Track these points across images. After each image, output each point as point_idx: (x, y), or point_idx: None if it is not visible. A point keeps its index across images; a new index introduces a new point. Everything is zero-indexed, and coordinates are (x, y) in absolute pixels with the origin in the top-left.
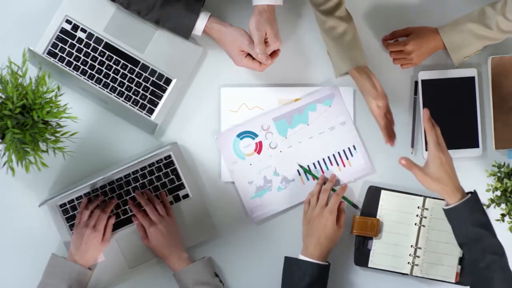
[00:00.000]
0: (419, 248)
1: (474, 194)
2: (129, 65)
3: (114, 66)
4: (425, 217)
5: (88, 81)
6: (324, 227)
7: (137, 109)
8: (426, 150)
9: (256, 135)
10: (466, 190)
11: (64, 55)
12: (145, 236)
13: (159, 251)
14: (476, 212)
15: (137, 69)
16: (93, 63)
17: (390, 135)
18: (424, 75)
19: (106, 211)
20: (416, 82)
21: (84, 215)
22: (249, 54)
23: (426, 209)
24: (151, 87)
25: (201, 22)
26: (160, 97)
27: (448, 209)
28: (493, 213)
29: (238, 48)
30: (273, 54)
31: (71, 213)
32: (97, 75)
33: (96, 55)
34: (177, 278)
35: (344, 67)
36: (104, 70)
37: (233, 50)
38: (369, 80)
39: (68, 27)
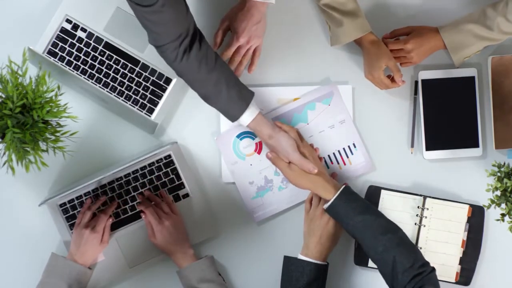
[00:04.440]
0: (419, 248)
1: (346, 186)
2: (129, 65)
3: (114, 66)
4: (425, 217)
5: (88, 80)
6: (325, 226)
7: (137, 109)
8: (427, 150)
9: (256, 135)
10: (466, 190)
11: (64, 55)
12: (152, 234)
13: (166, 248)
14: (354, 201)
15: (137, 69)
16: (93, 62)
17: (395, 82)
18: (424, 74)
19: (107, 213)
20: (416, 82)
21: (86, 216)
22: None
23: (426, 209)
24: (151, 87)
25: (249, 117)
26: (160, 97)
27: (328, 208)
28: (493, 213)
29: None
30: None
31: (71, 213)
32: (97, 74)
33: (96, 54)
34: (181, 275)
35: (354, 34)
36: (104, 70)
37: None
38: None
39: (68, 26)
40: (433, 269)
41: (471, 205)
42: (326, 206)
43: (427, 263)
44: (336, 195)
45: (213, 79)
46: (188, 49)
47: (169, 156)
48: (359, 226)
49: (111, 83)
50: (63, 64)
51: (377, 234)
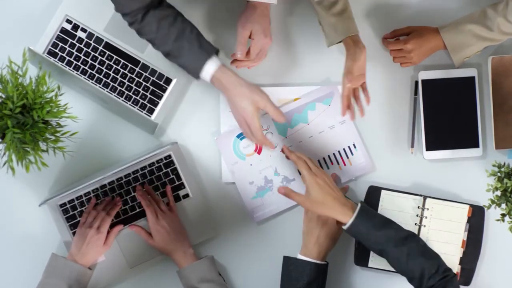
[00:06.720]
0: None
1: (362, 204)
2: (129, 65)
3: (114, 66)
4: (425, 217)
5: (88, 80)
6: (324, 225)
7: (137, 109)
8: (427, 150)
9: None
10: (466, 190)
11: (64, 55)
12: (149, 237)
13: (165, 248)
14: (373, 218)
15: (137, 69)
16: (93, 62)
17: (346, 106)
18: (424, 75)
19: (111, 214)
20: (416, 82)
21: (91, 215)
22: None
23: (426, 209)
24: (151, 87)
25: (212, 66)
26: (160, 97)
27: (348, 228)
28: (493, 213)
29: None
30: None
31: (71, 213)
32: (97, 74)
33: (96, 54)
34: (181, 275)
35: (337, 37)
36: (104, 70)
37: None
38: (355, 55)
39: (68, 26)
40: (455, 275)
41: (471, 205)
42: (346, 226)
43: (450, 269)
44: (355, 215)
45: (173, 35)
46: (149, 10)
47: (169, 156)
48: (382, 241)
49: (111, 83)
50: (63, 64)
51: (400, 245)
